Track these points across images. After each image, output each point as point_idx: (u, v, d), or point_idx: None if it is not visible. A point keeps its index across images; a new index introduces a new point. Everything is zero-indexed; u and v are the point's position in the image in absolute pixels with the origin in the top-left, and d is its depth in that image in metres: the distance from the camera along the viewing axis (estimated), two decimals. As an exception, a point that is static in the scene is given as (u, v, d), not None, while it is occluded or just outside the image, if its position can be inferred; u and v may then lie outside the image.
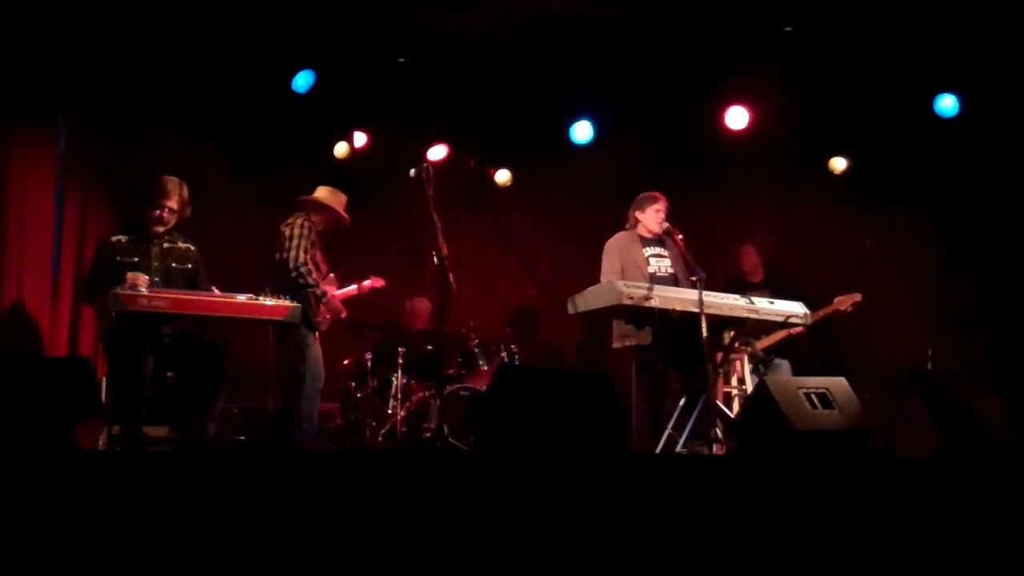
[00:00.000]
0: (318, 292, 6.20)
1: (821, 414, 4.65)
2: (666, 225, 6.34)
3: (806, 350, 7.38)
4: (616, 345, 6.47)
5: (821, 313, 6.93)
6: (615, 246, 6.59)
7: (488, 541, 2.98)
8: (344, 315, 6.69)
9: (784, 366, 7.22)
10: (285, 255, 6.18)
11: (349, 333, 7.82)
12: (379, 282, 7.59)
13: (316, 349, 6.32)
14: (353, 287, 7.21)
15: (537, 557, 3.02)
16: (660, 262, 6.54)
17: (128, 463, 3.08)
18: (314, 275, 6.22)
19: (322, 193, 6.59)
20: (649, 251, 6.56)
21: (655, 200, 6.59)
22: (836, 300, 7.17)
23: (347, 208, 6.67)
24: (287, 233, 6.27)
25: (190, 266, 5.92)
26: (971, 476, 4.12)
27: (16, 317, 6.51)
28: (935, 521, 3.72)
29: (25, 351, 6.47)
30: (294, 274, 6.14)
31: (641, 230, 6.62)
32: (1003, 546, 3.68)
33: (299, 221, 6.33)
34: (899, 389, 7.74)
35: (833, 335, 7.95)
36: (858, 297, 7.12)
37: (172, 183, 5.82)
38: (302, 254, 6.17)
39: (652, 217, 6.55)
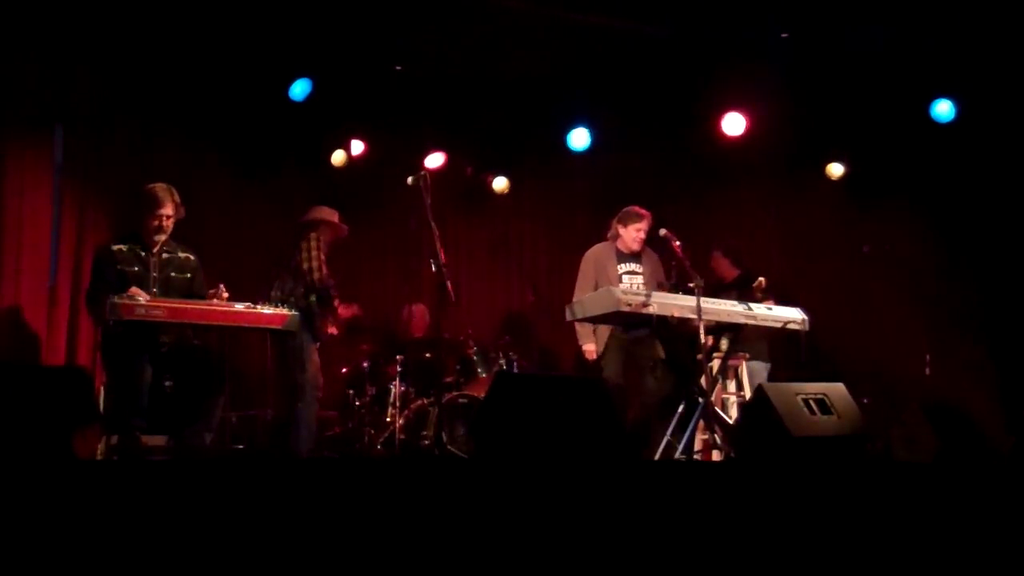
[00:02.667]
0: (335, 304, 6.34)
1: (820, 420, 4.65)
2: (663, 232, 6.35)
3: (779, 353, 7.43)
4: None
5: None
6: (592, 258, 6.77)
7: (487, 548, 2.98)
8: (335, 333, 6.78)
9: (757, 368, 7.21)
10: (310, 270, 6.39)
11: (347, 341, 7.83)
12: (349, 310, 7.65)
13: (316, 358, 6.40)
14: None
15: (536, 564, 3.01)
16: (633, 279, 6.71)
17: (126, 472, 3.08)
18: (333, 280, 6.47)
19: (319, 212, 6.79)
20: (624, 267, 6.72)
21: (639, 218, 6.71)
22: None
23: (342, 219, 6.87)
24: (309, 246, 6.48)
25: (189, 275, 5.91)
26: (969, 481, 4.12)
27: (13, 326, 6.51)
28: (934, 526, 3.72)
29: (23, 360, 6.46)
30: (320, 286, 6.36)
31: (619, 244, 6.76)
32: (1001, 550, 3.68)
33: (314, 235, 6.55)
34: (897, 394, 7.73)
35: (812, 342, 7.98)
36: (762, 283, 7.08)
37: (162, 190, 5.81)
38: (316, 263, 6.42)
39: (632, 235, 6.71)
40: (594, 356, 6.62)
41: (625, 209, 6.80)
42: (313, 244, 6.48)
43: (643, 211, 6.74)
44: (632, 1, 7.62)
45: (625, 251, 6.73)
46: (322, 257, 6.46)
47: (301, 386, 6.29)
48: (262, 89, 8.04)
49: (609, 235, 6.82)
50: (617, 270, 6.65)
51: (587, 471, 3.34)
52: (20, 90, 6.73)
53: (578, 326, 6.63)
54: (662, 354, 6.22)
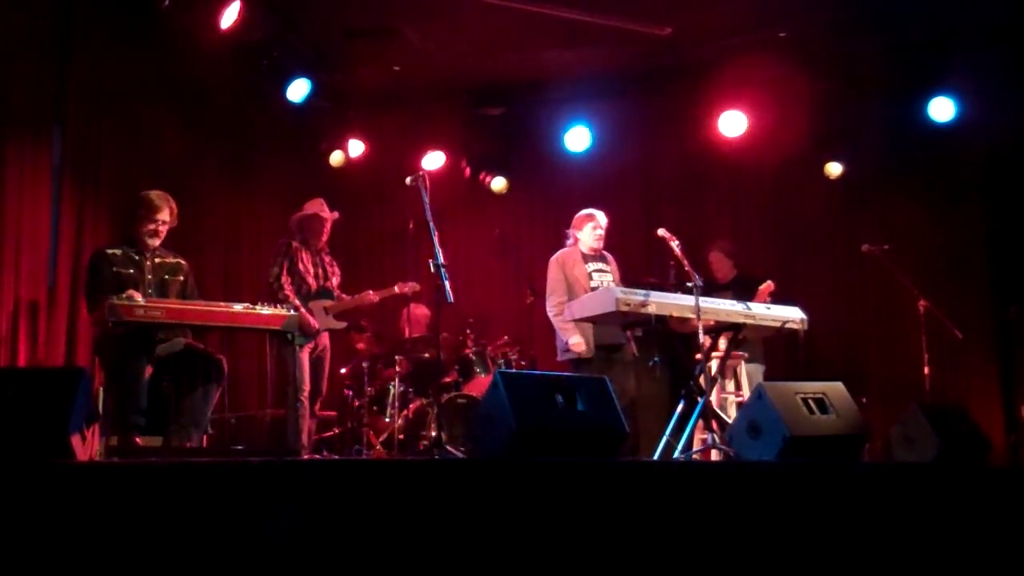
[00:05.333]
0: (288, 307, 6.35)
1: (818, 419, 4.64)
2: (661, 232, 6.33)
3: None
4: (560, 359, 6.74)
5: None
6: (559, 261, 6.82)
7: (487, 549, 2.98)
8: (315, 329, 6.69)
9: (752, 370, 7.22)
10: (268, 275, 6.75)
11: (345, 342, 7.83)
12: (406, 287, 7.54)
13: (298, 359, 6.45)
14: (347, 298, 7.23)
15: (536, 565, 3.01)
16: (602, 276, 6.77)
17: (125, 474, 3.08)
18: (286, 289, 6.62)
19: (303, 209, 6.95)
20: (591, 267, 6.79)
21: (591, 219, 6.84)
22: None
23: (337, 214, 7.04)
24: (275, 252, 6.81)
25: (182, 278, 5.95)
26: (969, 482, 4.12)
27: (12, 327, 6.50)
28: (933, 526, 3.72)
29: (21, 362, 6.45)
30: (269, 291, 6.60)
31: (582, 247, 6.84)
32: (1002, 551, 3.68)
33: (281, 240, 6.84)
34: (896, 393, 7.73)
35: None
36: (771, 285, 7.13)
37: (160, 198, 5.87)
38: (275, 269, 6.70)
39: (589, 234, 6.81)
40: (583, 348, 6.54)
41: (578, 214, 6.94)
42: (276, 249, 6.80)
43: (594, 212, 6.88)
44: (631, 1, 7.62)
45: (589, 252, 6.83)
46: (277, 260, 6.73)
47: (285, 386, 6.48)
48: (261, 90, 8.04)
49: (568, 244, 6.92)
50: (585, 269, 6.72)
51: (587, 471, 3.34)
52: (16, 91, 6.72)
53: (559, 323, 6.63)
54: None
